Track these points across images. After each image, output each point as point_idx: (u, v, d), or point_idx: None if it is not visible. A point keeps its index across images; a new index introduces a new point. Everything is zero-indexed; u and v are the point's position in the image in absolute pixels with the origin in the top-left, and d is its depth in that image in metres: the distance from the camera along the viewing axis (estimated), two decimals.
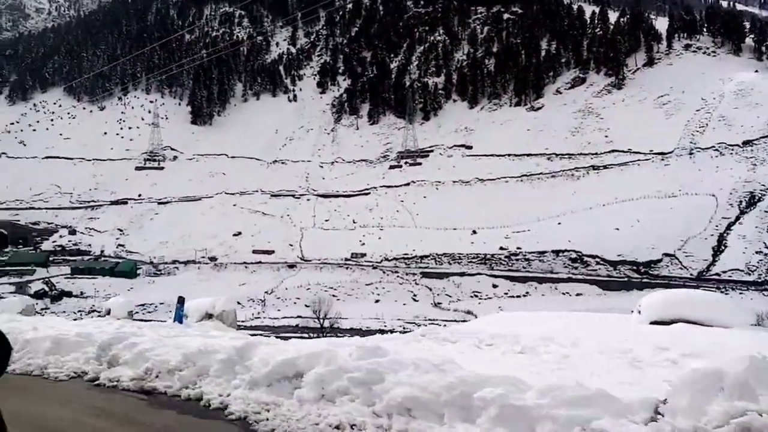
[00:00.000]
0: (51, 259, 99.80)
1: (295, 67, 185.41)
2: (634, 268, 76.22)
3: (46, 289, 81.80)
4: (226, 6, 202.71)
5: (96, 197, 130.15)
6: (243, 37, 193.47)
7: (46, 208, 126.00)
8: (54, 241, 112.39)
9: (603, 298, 71.09)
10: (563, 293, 73.76)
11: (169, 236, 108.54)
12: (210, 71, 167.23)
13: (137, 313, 64.42)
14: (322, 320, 38.42)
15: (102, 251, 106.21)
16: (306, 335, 38.23)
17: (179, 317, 13.82)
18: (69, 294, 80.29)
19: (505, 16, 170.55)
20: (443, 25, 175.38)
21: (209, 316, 14.22)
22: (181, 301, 14.33)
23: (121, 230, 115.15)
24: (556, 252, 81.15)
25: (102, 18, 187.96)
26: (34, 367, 8.84)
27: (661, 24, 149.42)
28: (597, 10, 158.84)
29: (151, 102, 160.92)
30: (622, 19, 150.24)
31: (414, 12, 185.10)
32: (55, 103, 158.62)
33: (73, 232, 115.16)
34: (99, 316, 17.03)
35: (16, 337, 9.44)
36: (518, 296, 73.96)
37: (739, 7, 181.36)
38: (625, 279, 74.01)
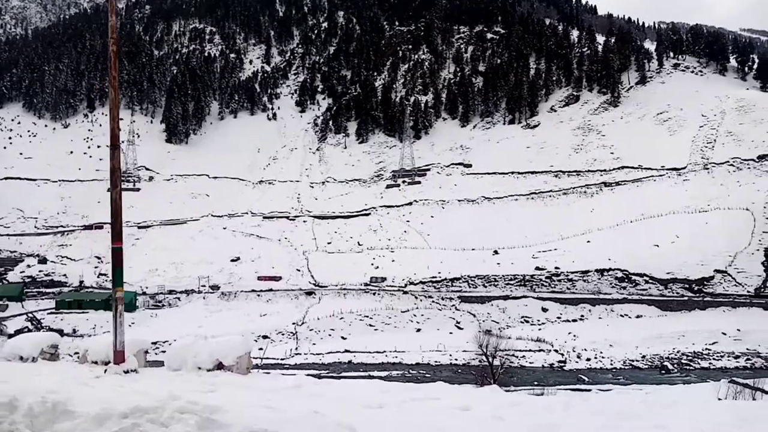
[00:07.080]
0: (25, 291, 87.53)
1: (271, 85, 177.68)
2: (686, 286, 72.16)
3: (30, 327, 70.30)
4: (195, 22, 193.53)
5: (65, 222, 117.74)
6: (215, 53, 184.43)
7: (8, 235, 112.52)
8: (21, 272, 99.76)
9: (666, 320, 66.59)
10: (621, 315, 68.64)
11: (159, 263, 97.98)
12: (184, 87, 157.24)
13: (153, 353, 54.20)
14: (491, 357, 30.85)
15: (81, 282, 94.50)
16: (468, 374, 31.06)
17: None
18: (60, 332, 68.71)
19: (488, 35, 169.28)
20: (426, 44, 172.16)
21: (219, 366, 8.61)
22: None
23: (99, 258, 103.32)
24: (601, 271, 76.35)
25: (62, 31, 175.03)
26: None
27: (647, 46, 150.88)
28: (582, 32, 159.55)
29: (122, 119, 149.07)
30: (610, 39, 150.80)
31: (396, 30, 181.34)
32: (13, 120, 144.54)
33: (43, 261, 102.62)
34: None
35: None
36: (574, 320, 68.33)
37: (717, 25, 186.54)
38: (684, 298, 69.65)
